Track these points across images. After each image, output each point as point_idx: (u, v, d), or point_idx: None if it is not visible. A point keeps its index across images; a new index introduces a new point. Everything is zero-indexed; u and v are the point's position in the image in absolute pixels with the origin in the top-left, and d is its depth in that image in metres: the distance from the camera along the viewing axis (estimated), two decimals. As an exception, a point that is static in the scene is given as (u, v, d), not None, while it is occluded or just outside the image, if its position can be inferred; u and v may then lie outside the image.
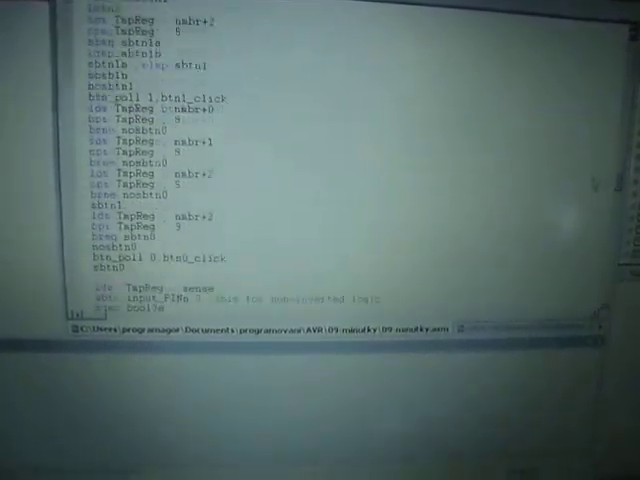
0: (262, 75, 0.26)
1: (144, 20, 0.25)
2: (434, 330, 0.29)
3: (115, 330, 0.28)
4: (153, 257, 0.27)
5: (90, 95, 0.25)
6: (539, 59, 0.28)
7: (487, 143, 0.28)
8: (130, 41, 0.25)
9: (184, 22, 0.25)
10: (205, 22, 0.25)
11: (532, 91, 0.28)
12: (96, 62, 0.25)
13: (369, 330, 0.29)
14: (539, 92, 0.28)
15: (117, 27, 0.25)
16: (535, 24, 0.27)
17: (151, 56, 0.25)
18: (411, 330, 0.29)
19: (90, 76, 0.25)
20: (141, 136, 0.26)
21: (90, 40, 0.25)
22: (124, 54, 0.25)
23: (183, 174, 0.26)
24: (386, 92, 0.27)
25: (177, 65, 0.26)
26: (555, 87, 0.28)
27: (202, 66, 0.26)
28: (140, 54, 0.25)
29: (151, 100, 0.26)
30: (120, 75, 0.25)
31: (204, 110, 0.26)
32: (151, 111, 0.26)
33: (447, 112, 0.27)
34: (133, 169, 0.26)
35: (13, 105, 0.25)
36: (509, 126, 0.28)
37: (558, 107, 0.28)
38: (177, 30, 0.25)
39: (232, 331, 0.28)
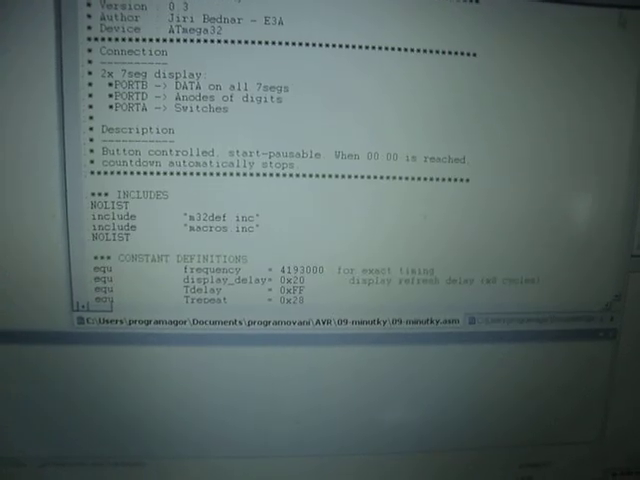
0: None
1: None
2: (445, 322, 0.29)
3: (121, 322, 0.27)
4: (159, 249, 0.27)
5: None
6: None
7: (499, 135, 0.28)
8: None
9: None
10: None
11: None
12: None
13: (379, 322, 0.29)
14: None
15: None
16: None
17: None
18: (421, 322, 0.29)
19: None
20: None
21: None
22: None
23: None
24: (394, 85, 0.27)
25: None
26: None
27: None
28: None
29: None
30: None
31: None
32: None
33: (450, 110, 0.27)
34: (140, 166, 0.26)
35: (18, 90, 0.25)
36: (521, 118, 0.28)
37: (562, 100, 0.28)
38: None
39: (240, 323, 0.28)
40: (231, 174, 0.26)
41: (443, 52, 0.27)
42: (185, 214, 0.27)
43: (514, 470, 0.32)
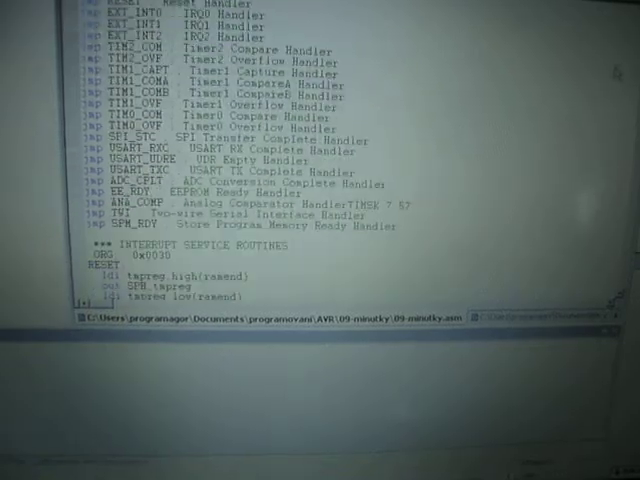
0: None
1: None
2: (447, 319, 0.29)
3: (122, 319, 0.27)
4: (160, 245, 0.27)
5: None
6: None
7: (500, 130, 0.28)
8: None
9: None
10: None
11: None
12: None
13: (381, 319, 0.29)
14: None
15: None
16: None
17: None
18: (424, 319, 0.29)
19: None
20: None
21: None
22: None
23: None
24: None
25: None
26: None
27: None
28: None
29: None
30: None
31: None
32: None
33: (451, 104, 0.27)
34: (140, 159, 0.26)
35: (18, 90, 0.25)
36: (527, 115, 0.28)
37: (567, 98, 0.28)
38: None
39: (242, 320, 0.28)
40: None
41: (447, 49, 0.27)
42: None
43: (516, 467, 0.32)
